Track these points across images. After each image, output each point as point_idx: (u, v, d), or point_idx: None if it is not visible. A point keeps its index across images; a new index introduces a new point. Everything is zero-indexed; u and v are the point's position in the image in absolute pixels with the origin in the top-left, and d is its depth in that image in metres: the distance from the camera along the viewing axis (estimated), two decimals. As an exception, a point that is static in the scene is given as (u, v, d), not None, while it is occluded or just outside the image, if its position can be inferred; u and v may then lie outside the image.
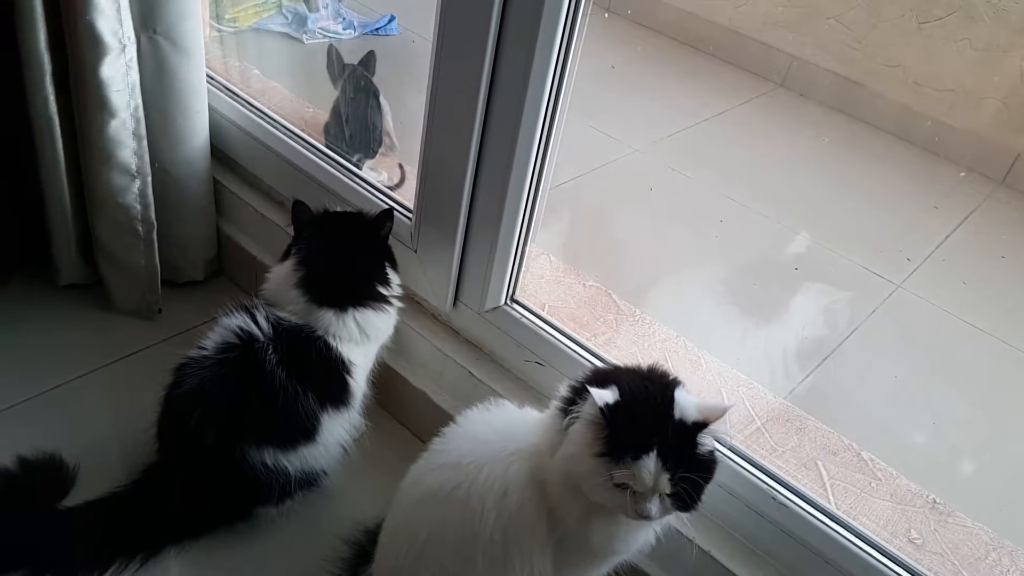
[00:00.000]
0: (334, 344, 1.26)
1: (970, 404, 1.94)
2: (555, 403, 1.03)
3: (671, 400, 0.93)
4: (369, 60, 1.99)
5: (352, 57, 2.00)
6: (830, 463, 1.30)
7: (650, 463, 0.89)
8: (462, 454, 1.05)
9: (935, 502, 1.27)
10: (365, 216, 1.35)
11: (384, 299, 1.31)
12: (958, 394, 1.96)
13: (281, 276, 1.30)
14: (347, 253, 1.31)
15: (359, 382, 1.31)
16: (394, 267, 1.35)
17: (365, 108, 1.99)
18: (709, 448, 0.93)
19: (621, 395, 0.93)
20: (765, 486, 1.16)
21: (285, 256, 1.33)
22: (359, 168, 1.64)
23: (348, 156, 1.67)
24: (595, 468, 0.91)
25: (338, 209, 1.37)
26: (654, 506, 0.91)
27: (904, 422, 1.82)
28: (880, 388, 1.91)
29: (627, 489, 0.90)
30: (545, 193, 1.32)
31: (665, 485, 0.90)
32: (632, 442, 0.90)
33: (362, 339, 1.29)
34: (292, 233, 1.36)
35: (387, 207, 1.36)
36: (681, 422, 0.92)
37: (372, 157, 1.97)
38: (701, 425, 0.91)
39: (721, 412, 0.91)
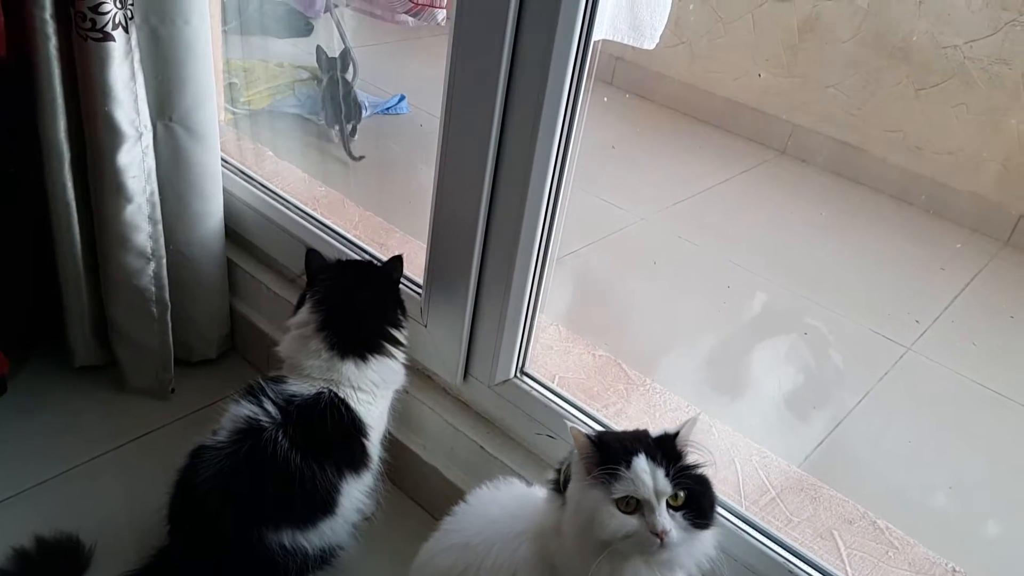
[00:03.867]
0: (352, 404, 1.27)
1: (987, 467, 1.92)
2: (546, 486, 1.05)
3: (646, 431, 1.01)
4: (345, 59, 2.67)
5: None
6: (846, 532, 1.28)
7: (642, 461, 0.94)
8: (471, 534, 1.05)
9: (955, 571, 1.25)
10: (376, 263, 1.45)
11: (398, 343, 1.34)
12: (974, 457, 1.94)
13: (298, 326, 1.32)
14: (362, 295, 1.34)
15: (375, 444, 1.32)
16: (404, 312, 1.38)
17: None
18: (698, 464, 0.98)
19: (601, 432, 1.02)
20: (782, 559, 1.14)
21: (299, 305, 1.35)
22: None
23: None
24: (597, 498, 0.93)
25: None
26: (665, 518, 0.91)
27: (920, 487, 1.80)
28: (894, 453, 1.90)
29: (636, 512, 0.92)
30: (553, 264, 1.34)
31: (665, 484, 0.92)
32: (621, 452, 0.95)
33: (381, 385, 1.31)
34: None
35: (397, 254, 1.39)
36: (657, 436, 1.00)
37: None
38: (673, 435, 0.98)
39: (690, 425, 0.99)
